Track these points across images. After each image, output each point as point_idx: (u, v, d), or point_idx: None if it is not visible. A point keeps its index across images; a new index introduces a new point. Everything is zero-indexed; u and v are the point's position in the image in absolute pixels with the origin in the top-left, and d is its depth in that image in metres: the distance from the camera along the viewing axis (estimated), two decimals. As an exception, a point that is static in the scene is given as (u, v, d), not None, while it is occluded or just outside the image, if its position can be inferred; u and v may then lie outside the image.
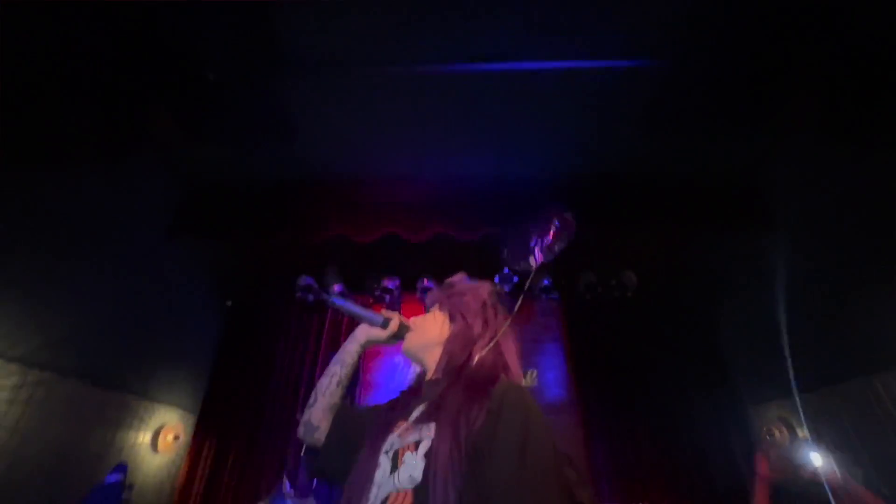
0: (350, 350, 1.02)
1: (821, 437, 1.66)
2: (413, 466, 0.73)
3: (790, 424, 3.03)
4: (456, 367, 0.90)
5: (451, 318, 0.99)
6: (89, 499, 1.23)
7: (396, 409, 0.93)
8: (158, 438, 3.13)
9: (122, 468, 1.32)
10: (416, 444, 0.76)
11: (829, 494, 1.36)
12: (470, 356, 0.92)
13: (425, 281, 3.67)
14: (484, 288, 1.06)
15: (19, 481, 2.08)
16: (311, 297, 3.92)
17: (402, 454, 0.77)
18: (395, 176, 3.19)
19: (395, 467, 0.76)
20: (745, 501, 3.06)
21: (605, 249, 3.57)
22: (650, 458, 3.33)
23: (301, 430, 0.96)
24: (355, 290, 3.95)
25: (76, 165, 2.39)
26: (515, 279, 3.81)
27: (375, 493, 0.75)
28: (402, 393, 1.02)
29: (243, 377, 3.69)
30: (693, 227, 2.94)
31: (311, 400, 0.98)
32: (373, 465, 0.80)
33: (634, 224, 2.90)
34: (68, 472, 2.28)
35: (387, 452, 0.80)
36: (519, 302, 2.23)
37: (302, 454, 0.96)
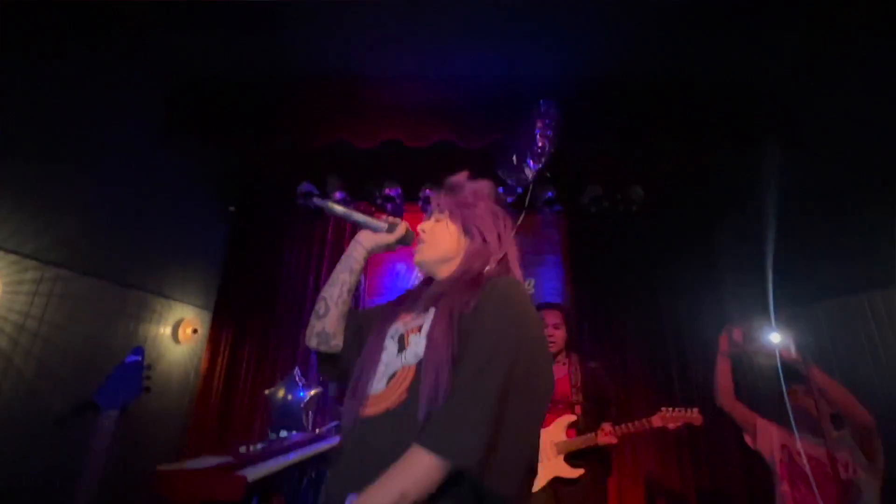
0: (357, 257, 1.00)
1: (799, 351, 1.77)
2: (417, 344, 0.83)
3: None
4: (471, 278, 0.92)
5: (468, 233, 1.00)
6: (111, 378, 1.35)
7: (402, 304, 1.00)
8: (178, 331, 3.37)
9: (139, 350, 1.43)
10: (420, 328, 0.86)
11: (780, 368, 1.47)
12: (484, 269, 0.96)
13: (426, 191, 3.62)
14: (489, 192, 1.06)
15: (52, 367, 2.29)
16: (312, 204, 3.91)
17: (408, 336, 0.87)
18: (398, 76, 2.97)
19: (402, 348, 0.86)
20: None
21: (612, 162, 3.45)
22: (637, 363, 3.57)
23: (315, 341, 0.97)
24: (357, 197, 3.92)
25: (52, 56, 2.23)
26: (519, 190, 3.75)
27: (383, 370, 0.86)
28: (408, 291, 1.07)
29: (253, 277, 3.85)
30: (700, 140, 2.81)
31: (322, 310, 0.97)
32: (379, 348, 0.90)
33: (644, 135, 2.76)
34: (96, 359, 2.50)
35: (392, 337, 0.91)
36: (521, 216, 2.21)
37: (317, 360, 0.94)
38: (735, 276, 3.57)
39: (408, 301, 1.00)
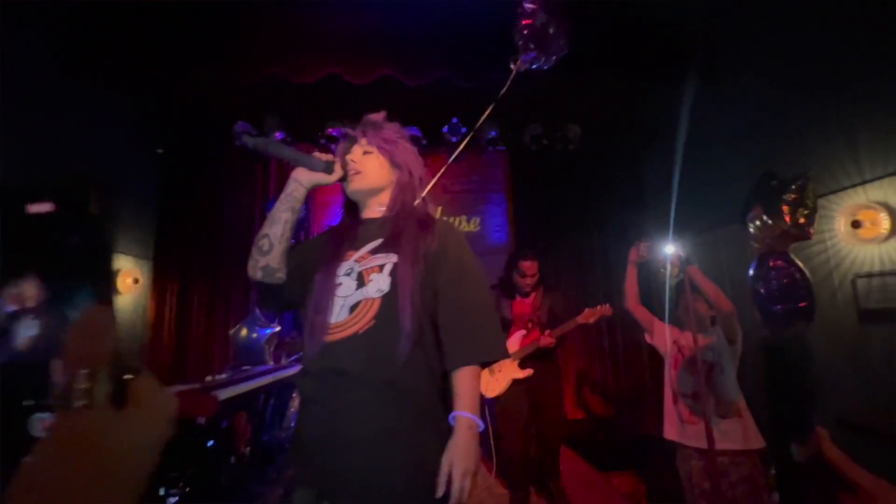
0: (297, 196, 1.02)
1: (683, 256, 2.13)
2: (380, 281, 0.96)
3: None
4: (405, 211, 1.06)
5: (396, 166, 1.09)
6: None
7: (342, 240, 1.07)
8: (117, 282, 3.25)
9: None
10: (381, 267, 0.98)
11: (668, 272, 1.83)
12: (413, 201, 1.10)
13: (333, 130, 3.62)
14: (404, 133, 1.15)
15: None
16: (241, 143, 3.74)
17: (368, 275, 0.98)
18: (336, 4, 2.80)
19: (361, 284, 0.98)
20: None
21: (551, 102, 3.57)
22: (572, 286, 3.98)
23: (260, 274, 1.00)
24: (298, 138, 3.80)
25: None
26: (464, 129, 3.82)
27: (342, 303, 0.96)
28: (336, 228, 1.15)
29: (193, 223, 3.72)
30: (631, 77, 3.02)
31: (266, 247, 0.99)
32: (332, 284, 0.99)
33: (581, 72, 2.89)
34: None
35: (348, 274, 1.00)
36: (458, 150, 2.31)
37: (259, 293, 0.98)
38: (656, 206, 3.97)
39: (346, 239, 1.07)
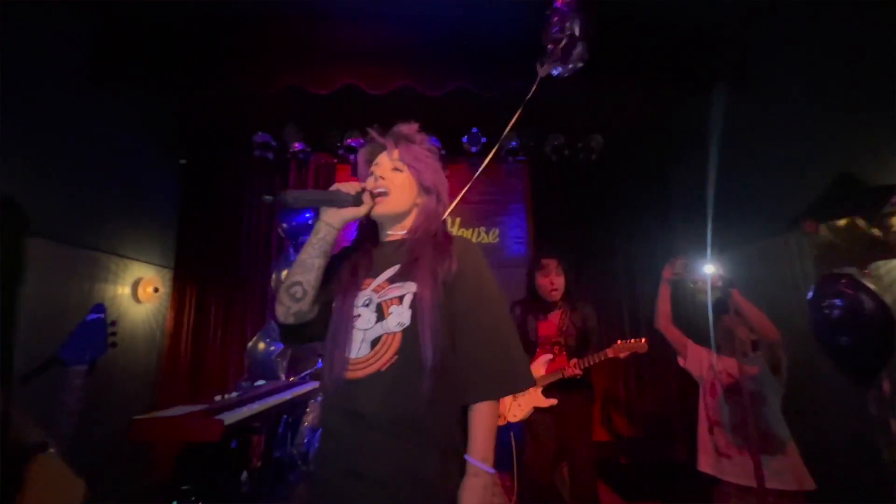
0: (329, 240, 0.97)
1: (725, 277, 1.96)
2: (401, 314, 0.92)
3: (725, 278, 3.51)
4: (426, 236, 1.01)
5: (425, 191, 1.04)
6: (75, 334, 1.34)
7: (358, 266, 1.01)
8: (138, 290, 3.28)
9: (100, 307, 1.42)
10: (400, 299, 0.94)
11: (709, 294, 1.68)
12: (437, 228, 1.04)
13: (351, 141, 3.58)
14: (435, 149, 1.09)
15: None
16: (270, 156, 3.76)
17: (388, 307, 0.94)
18: (354, 16, 2.79)
19: (381, 317, 0.93)
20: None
21: (574, 112, 3.47)
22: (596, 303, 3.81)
23: (292, 319, 0.96)
24: (317, 148, 3.80)
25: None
26: (484, 140, 3.75)
27: (362, 337, 0.92)
28: (355, 247, 1.07)
29: (212, 233, 3.75)
30: (657, 86, 2.89)
31: (299, 294, 0.94)
32: (350, 316, 0.95)
33: (604, 82, 2.78)
34: (51, 320, 2.41)
35: (367, 305, 0.96)
36: (486, 161, 2.23)
37: (282, 331, 0.97)
38: (686, 218, 3.80)
39: (362, 264, 1.01)
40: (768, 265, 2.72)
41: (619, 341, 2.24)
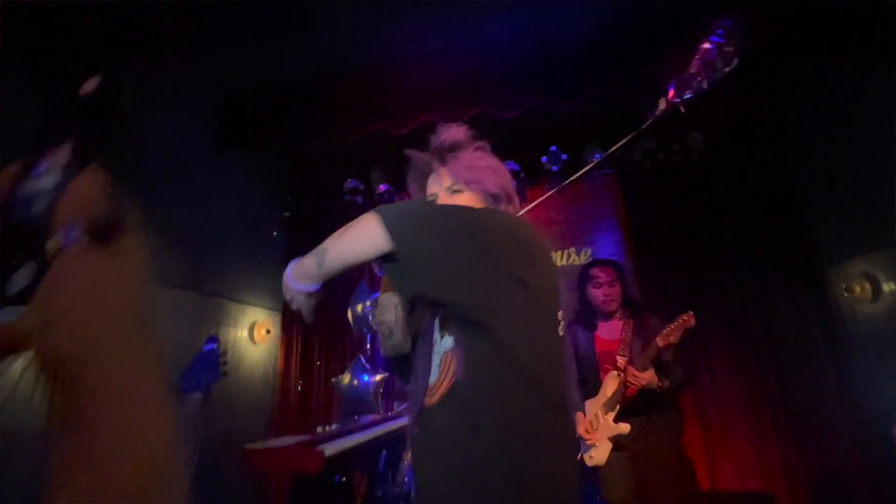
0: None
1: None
2: (454, 328, 0.85)
3: (875, 279, 2.82)
4: None
5: (496, 199, 0.94)
6: (192, 365, 1.48)
7: None
8: (254, 333, 3.62)
9: (213, 339, 1.55)
10: None
11: None
12: None
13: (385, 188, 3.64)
14: (485, 146, 0.98)
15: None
16: (360, 199, 4.00)
17: (445, 321, 0.89)
18: (424, 57, 2.94)
19: (442, 336, 0.88)
20: (816, 360, 3.03)
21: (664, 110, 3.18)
22: (712, 334, 3.27)
23: (391, 353, 0.94)
24: (402, 188, 3.96)
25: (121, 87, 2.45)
26: (564, 157, 3.59)
27: (436, 361, 0.87)
28: None
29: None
30: (769, 71, 2.49)
31: (387, 332, 0.92)
32: (430, 339, 0.91)
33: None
34: (185, 362, 2.74)
35: (440, 325, 0.92)
36: (576, 176, 2.07)
37: (391, 367, 0.92)
38: (827, 221, 3.16)
39: None
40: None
41: (667, 327, 1.83)
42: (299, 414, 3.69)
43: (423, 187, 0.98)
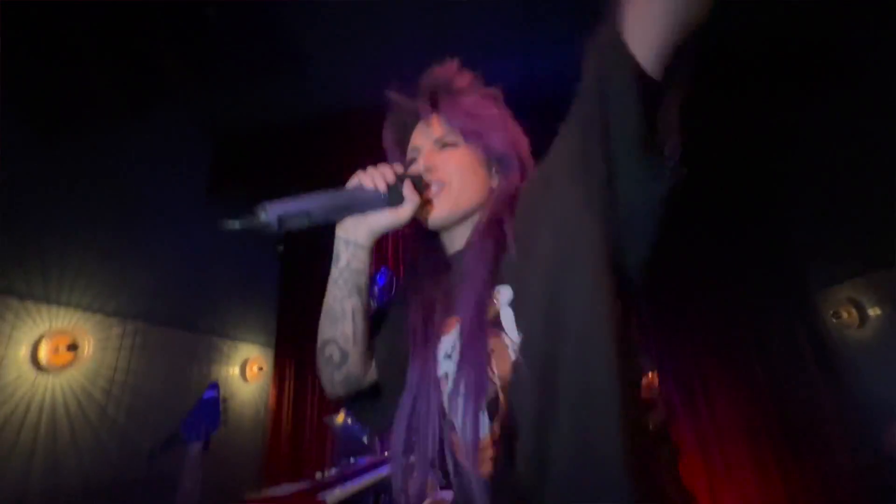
0: (357, 267, 0.66)
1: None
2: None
3: (861, 305, 2.90)
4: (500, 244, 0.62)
5: (498, 162, 0.69)
6: (192, 413, 1.45)
7: (432, 300, 0.69)
8: (246, 370, 3.54)
9: (214, 386, 1.53)
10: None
11: None
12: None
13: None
14: (495, 92, 0.73)
15: (139, 412, 2.48)
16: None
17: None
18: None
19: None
20: (805, 383, 3.06)
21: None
22: (705, 351, 3.32)
23: (342, 389, 0.70)
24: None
25: (112, 129, 2.50)
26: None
27: (447, 419, 0.60)
28: (417, 273, 0.75)
29: (307, 312, 3.99)
30: (757, 98, 2.63)
31: (337, 357, 0.68)
32: (432, 378, 0.63)
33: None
34: (175, 401, 2.67)
35: (449, 356, 0.63)
36: None
37: (352, 411, 0.77)
38: (813, 246, 3.25)
39: (436, 299, 0.69)
40: None
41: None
42: (292, 454, 3.56)
43: (401, 143, 0.74)
